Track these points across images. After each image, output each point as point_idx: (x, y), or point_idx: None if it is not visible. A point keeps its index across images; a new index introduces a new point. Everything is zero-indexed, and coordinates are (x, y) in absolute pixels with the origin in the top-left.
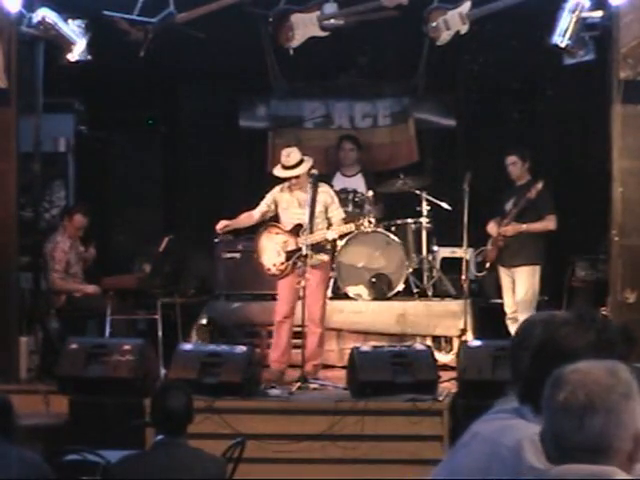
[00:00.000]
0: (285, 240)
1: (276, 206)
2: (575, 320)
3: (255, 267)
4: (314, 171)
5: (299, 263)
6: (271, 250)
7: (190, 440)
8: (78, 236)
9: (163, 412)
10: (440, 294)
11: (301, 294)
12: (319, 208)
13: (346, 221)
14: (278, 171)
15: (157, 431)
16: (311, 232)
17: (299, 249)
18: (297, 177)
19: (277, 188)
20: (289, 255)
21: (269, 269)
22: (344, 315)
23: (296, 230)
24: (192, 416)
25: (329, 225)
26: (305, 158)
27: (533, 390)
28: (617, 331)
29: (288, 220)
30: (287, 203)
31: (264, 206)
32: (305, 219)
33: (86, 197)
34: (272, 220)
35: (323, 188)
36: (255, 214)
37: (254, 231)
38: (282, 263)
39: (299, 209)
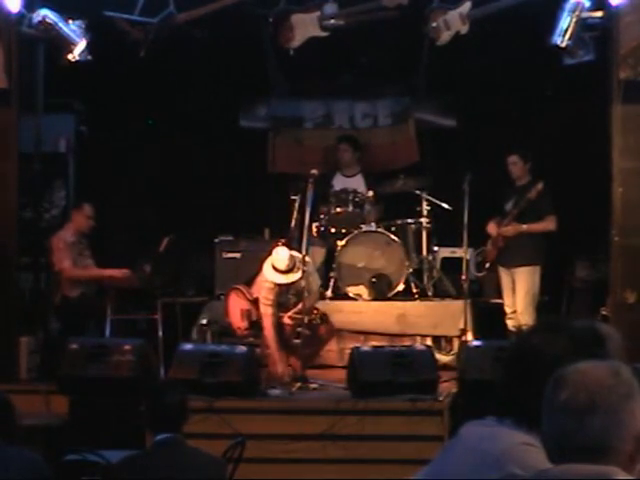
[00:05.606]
0: (248, 309)
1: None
2: (544, 327)
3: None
4: (314, 171)
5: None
6: (238, 314)
7: (190, 440)
8: (85, 232)
9: (157, 410)
10: (440, 294)
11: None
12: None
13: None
14: (277, 277)
15: (151, 429)
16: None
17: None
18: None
19: (273, 290)
20: (251, 324)
21: (238, 328)
22: (344, 315)
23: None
24: (187, 414)
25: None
26: (294, 256)
27: (513, 403)
28: (588, 333)
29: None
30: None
31: (272, 307)
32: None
33: (86, 197)
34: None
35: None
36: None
37: (254, 230)
38: (246, 329)
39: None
